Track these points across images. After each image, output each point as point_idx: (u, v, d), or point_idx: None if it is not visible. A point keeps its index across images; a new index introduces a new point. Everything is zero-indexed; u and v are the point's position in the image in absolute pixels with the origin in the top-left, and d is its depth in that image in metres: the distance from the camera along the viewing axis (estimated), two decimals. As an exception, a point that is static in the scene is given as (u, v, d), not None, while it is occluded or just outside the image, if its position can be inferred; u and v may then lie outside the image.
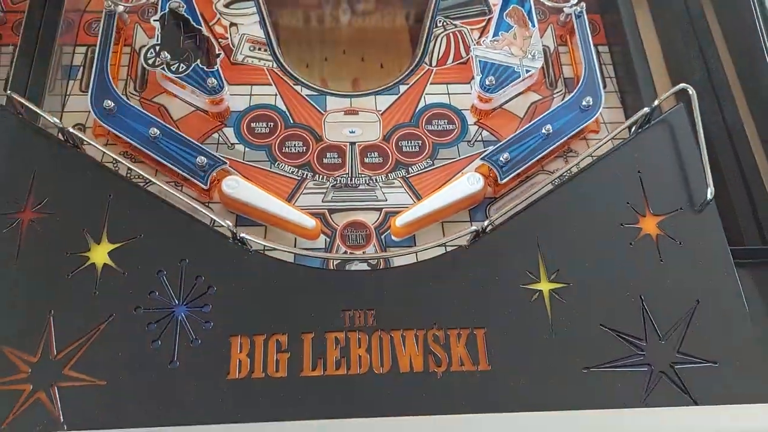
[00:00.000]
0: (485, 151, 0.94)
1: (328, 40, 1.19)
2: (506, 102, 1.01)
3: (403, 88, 1.03)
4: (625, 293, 0.77)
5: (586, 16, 1.05)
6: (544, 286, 0.77)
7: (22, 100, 0.86)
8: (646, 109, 0.87)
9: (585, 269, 0.78)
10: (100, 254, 0.77)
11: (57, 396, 0.69)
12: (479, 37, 1.07)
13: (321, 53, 1.17)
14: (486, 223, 0.80)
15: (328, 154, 0.96)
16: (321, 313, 0.75)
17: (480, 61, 1.00)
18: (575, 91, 0.98)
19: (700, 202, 0.82)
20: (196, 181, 0.89)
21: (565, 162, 0.95)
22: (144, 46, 1.00)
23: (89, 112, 0.93)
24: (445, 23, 1.10)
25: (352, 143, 0.97)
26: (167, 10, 1.00)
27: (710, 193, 0.81)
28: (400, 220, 0.87)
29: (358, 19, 1.21)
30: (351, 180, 0.94)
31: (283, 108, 1.00)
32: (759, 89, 0.93)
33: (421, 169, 0.95)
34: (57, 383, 0.70)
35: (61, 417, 0.68)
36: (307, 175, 0.94)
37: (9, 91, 0.86)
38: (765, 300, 0.83)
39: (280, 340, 0.73)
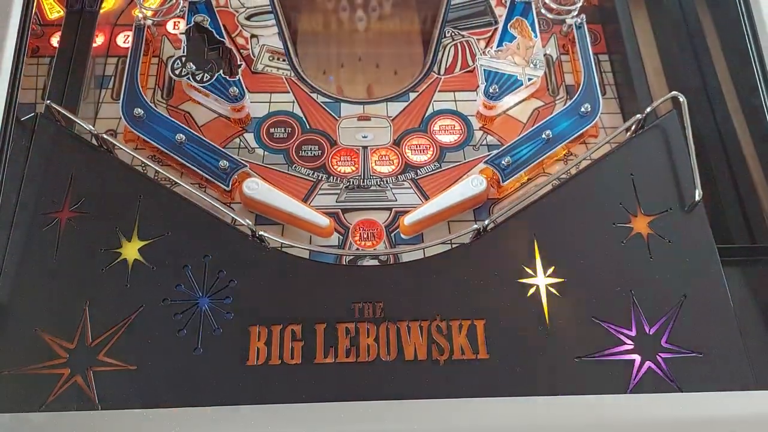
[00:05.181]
0: (489, 154, 0.98)
1: (344, 46, 1.23)
2: (509, 108, 1.04)
3: (412, 95, 1.06)
4: (616, 288, 0.79)
5: (586, 27, 1.08)
6: (541, 281, 0.80)
7: (60, 109, 0.90)
8: (638, 116, 0.90)
9: (579, 265, 0.81)
10: (131, 250, 0.81)
11: (92, 379, 0.74)
12: (485, 47, 1.10)
13: (338, 60, 1.21)
14: (487, 222, 0.84)
15: (342, 157, 1.00)
16: (333, 305, 0.79)
17: (485, 70, 1.03)
18: (574, 98, 1.01)
19: (689, 203, 0.85)
20: (218, 183, 0.94)
21: (564, 165, 0.98)
22: (171, 57, 1.04)
23: (120, 118, 0.98)
24: (453, 34, 1.13)
25: (365, 147, 1.01)
26: (192, 23, 1.05)
27: (698, 194, 0.84)
28: (408, 219, 0.91)
29: (374, 26, 1.24)
30: (363, 181, 0.98)
31: (300, 114, 1.04)
32: (752, 97, 0.96)
33: (429, 172, 0.99)
34: (92, 367, 0.74)
35: (96, 398, 0.73)
36: (322, 177, 0.98)
37: (48, 101, 0.90)
38: (753, 295, 0.85)
39: (295, 329, 0.77)
